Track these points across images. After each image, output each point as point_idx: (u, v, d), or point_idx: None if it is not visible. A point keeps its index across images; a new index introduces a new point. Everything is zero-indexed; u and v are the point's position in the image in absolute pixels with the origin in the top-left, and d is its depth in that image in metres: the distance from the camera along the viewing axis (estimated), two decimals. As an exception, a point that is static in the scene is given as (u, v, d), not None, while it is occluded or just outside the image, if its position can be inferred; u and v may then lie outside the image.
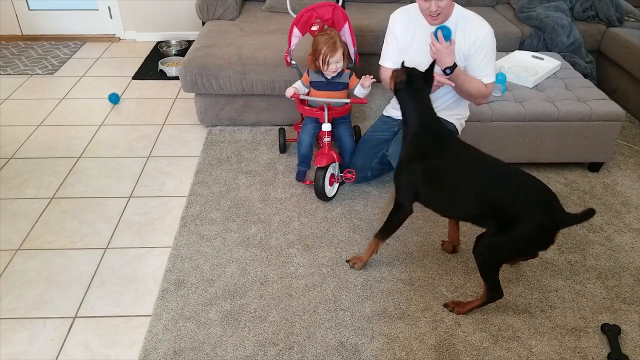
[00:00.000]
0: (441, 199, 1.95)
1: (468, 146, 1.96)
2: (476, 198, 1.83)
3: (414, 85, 1.97)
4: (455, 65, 2.13)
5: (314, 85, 2.50)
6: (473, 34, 2.16)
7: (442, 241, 2.31)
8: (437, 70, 2.16)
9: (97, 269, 2.16)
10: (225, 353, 1.81)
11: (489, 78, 2.25)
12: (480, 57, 2.19)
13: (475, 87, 2.24)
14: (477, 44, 2.16)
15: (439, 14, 2.09)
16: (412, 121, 1.99)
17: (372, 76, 2.42)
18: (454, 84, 2.18)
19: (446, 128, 2.10)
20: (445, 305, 2.00)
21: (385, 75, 2.45)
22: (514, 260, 2.14)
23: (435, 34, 2.11)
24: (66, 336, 1.88)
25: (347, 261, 2.19)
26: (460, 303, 1.99)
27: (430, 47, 2.14)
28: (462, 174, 1.88)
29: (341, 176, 2.53)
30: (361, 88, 2.44)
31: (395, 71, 2.05)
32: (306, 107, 2.52)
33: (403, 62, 2.04)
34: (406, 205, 1.98)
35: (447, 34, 2.11)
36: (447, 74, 2.13)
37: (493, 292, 1.88)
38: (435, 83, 2.17)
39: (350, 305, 2.00)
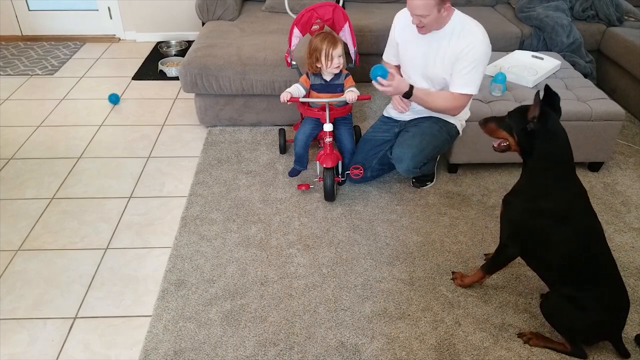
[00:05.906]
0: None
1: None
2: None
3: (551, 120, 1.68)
4: (411, 90, 2.23)
5: (313, 88, 2.50)
6: (463, 41, 2.18)
7: None
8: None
9: (97, 269, 2.16)
10: (226, 353, 1.81)
11: (466, 88, 2.22)
12: (463, 65, 2.19)
13: (440, 101, 2.30)
14: (465, 52, 2.17)
15: (422, 26, 2.16)
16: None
17: (358, 94, 2.39)
18: (410, 103, 2.37)
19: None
20: (521, 335, 1.89)
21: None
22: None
23: (375, 79, 2.15)
24: (66, 336, 1.88)
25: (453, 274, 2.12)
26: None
27: (383, 91, 2.20)
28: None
29: (348, 173, 2.53)
30: (350, 94, 2.39)
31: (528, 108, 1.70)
32: (307, 108, 2.52)
33: (538, 93, 1.68)
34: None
35: (384, 74, 2.14)
36: (407, 98, 2.25)
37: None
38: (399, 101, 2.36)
39: (351, 305, 2.00)
